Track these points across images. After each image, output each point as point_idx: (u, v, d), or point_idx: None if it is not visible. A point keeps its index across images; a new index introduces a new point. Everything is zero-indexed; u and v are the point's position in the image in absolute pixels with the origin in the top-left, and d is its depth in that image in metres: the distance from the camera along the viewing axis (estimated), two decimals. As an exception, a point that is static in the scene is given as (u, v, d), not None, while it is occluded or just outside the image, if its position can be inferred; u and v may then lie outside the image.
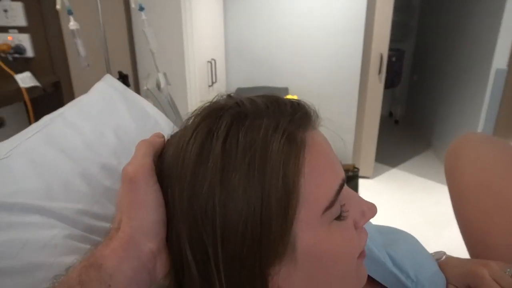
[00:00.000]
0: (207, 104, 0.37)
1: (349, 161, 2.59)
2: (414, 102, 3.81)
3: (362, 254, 0.39)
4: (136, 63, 1.93)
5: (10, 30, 1.69)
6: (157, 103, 1.48)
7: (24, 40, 1.70)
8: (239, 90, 2.48)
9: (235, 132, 0.32)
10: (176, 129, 0.39)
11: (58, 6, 1.33)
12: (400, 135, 3.65)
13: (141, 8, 1.44)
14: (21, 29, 1.69)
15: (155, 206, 0.33)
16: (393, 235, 0.58)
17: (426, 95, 3.43)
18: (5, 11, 1.65)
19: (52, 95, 1.78)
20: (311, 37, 2.39)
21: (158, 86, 1.54)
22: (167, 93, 1.55)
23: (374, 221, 0.55)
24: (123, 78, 1.56)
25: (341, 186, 0.35)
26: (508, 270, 0.46)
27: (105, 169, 0.47)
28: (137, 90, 1.93)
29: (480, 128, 2.31)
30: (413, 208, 2.35)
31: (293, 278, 0.34)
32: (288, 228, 0.32)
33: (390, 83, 3.39)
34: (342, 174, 0.36)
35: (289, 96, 0.40)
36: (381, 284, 0.49)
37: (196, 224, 0.32)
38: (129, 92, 0.61)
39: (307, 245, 0.33)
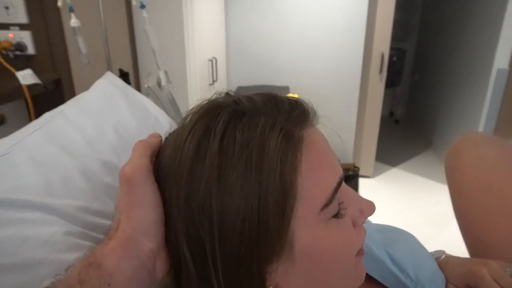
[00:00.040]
0: (205, 102, 0.37)
1: (349, 160, 2.59)
2: (415, 101, 3.81)
3: (360, 252, 0.39)
4: (137, 61, 1.93)
5: (11, 27, 1.69)
6: (158, 101, 1.48)
7: (25, 37, 1.69)
8: (240, 88, 2.48)
9: (232, 130, 0.32)
10: (176, 127, 0.39)
11: (59, 4, 1.33)
12: (400, 134, 3.65)
13: (142, 6, 1.44)
14: (22, 26, 1.69)
15: (153, 206, 0.33)
16: (392, 234, 0.58)
17: (427, 95, 3.42)
18: (7, 8, 1.65)
19: (53, 93, 1.78)
20: (312, 36, 2.39)
21: (159, 84, 1.54)
22: (167, 91, 1.55)
23: (374, 220, 0.55)
24: (124, 76, 1.56)
25: (339, 184, 0.35)
26: (508, 269, 0.46)
27: (106, 166, 0.47)
28: (138, 88, 1.92)
29: (481, 128, 2.31)
30: (413, 207, 2.35)
31: (291, 275, 0.34)
32: (285, 226, 0.32)
33: (391, 82, 3.38)
34: (340, 172, 0.36)
35: (289, 95, 0.40)
36: (380, 283, 0.49)
37: (193, 222, 0.32)
38: (130, 90, 0.61)
39: (304, 243, 0.33)
